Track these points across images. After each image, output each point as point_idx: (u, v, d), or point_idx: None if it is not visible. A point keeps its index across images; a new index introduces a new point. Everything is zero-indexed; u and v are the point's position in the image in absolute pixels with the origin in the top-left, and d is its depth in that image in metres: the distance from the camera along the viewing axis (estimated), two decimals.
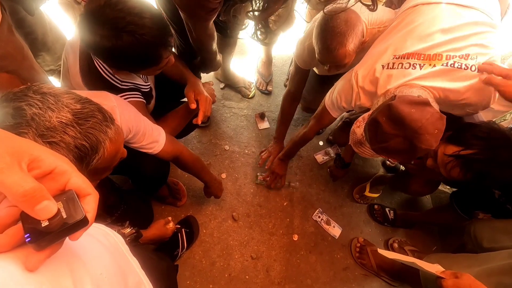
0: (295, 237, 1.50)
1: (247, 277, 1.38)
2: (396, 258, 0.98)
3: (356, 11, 1.03)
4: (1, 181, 0.26)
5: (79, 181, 0.32)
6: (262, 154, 1.64)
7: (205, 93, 1.15)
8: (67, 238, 0.31)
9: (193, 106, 1.09)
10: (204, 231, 1.46)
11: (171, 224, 1.24)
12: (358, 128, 1.04)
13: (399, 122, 0.86)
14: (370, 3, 0.73)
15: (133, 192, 1.30)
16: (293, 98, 1.50)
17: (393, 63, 0.98)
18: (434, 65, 0.92)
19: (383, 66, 1.00)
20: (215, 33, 1.10)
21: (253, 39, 1.01)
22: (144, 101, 1.02)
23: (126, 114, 0.83)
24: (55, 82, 1.28)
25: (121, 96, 0.94)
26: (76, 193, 0.32)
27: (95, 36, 0.76)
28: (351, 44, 1.04)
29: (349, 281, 1.44)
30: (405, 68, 0.96)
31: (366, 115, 1.03)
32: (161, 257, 0.92)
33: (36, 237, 0.28)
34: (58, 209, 0.29)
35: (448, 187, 1.61)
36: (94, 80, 0.91)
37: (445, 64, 0.91)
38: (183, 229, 1.37)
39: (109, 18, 0.74)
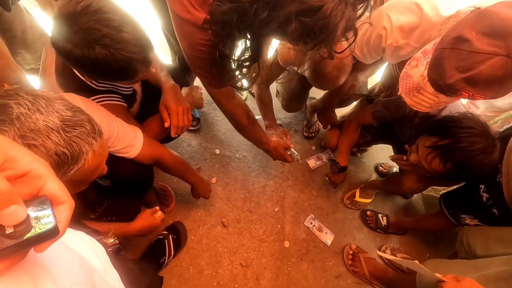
0: (286, 244, 1.47)
1: (236, 285, 1.34)
2: (395, 259, 0.95)
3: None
4: None
5: (55, 187, 0.30)
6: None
7: (181, 103, 1.07)
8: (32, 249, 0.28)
9: (166, 124, 1.03)
10: (192, 237, 1.41)
11: (159, 213, 1.16)
12: (416, 68, 0.83)
13: (502, 33, 0.65)
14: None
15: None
16: (267, 87, 1.50)
17: None
18: None
19: None
20: (243, 107, 1.09)
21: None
22: (125, 104, 0.98)
23: (96, 118, 0.79)
24: (36, 81, 1.23)
25: (96, 99, 0.90)
26: (50, 200, 0.29)
27: (66, 42, 0.70)
28: (343, 80, 1.07)
29: None
30: None
31: (428, 47, 0.81)
32: (144, 269, 0.88)
33: None
34: (28, 216, 0.27)
35: (441, 192, 1.60)
36: (68, 81, 0.87)
37: None
38: (170, 236, 1.32)
39: (84, 28, 0.68)
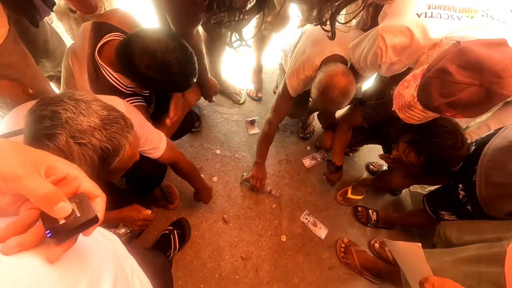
0: (283, 238, 1.56)
1: (237, 277, 1.43)
2: (400, 243, 1.02)
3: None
4: (24, 185, 0.30)
5: (88, 185, 0.36)
6: (252, 182, 1.61)
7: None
8: (80, 236, 0.35)
9: (168, 122, 1.20)
10: (196, 232, 1.50)
11: (147, 211, 1.17)
12: (407, 89, 0.95)
13: (476, 68, 0.77)
14: (329, 31, 0.81)
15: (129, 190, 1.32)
16: (276, 126, 1.56)
17: (431, 12, 0.94)
18: (472, 17, 0.91)
19: (418, 15, 0.95)
20: (202, 47, 1.19)
21: (229, 47, 1.04)
22: (146, 104, 1.09)
23: (132, 119, 0.89)
24: (55, 88, 1.31)
25: (128, 101, 1.00)
26: (86, 195, 0.36)
27: (147, 70, 0.90)
28: (345, 105, 1.17)
29: (334, 280, 1.51)
30: (444, 18, 0.92)
31: (417, 72, 0.94)
32: (155, 253, 0.97)
33: (55, 233, 0.32)
34: (73, 209, 0.34)
35: (426, 190, 1.71)
36: (103, 87, 0.97)
37: (485, 15, 0.89)
38: (175, 231, 1.41)
39: (165, 60, 0.90)
